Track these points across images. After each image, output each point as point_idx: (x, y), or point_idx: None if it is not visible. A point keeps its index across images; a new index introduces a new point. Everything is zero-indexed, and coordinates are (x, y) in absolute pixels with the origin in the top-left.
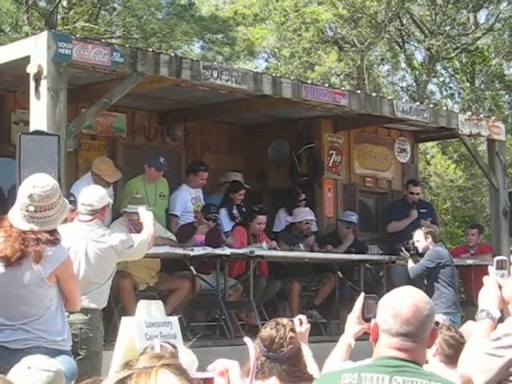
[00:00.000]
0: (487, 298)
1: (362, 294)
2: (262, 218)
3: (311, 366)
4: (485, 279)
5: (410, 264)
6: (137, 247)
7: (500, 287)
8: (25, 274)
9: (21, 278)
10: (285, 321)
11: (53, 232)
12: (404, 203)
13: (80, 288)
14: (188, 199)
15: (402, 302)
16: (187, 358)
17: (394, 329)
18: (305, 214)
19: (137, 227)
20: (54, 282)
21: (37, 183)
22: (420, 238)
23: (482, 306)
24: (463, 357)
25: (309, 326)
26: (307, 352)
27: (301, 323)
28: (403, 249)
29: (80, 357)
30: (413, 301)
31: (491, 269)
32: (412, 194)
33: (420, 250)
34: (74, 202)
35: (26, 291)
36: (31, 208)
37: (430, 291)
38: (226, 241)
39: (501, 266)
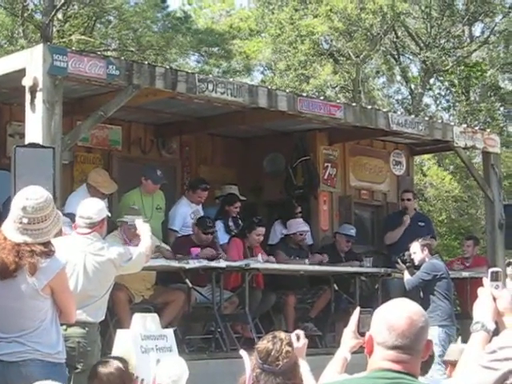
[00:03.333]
0: (482, 309)
1: (358, 309)
2: (262, 230)
3: (309, 381)
4: (479, 291)
5: (406, 276)
6: (135, 260)
7: (494, 299)
8: (20, 287)
9: (16, 290)
10: (282, 335)
11: (47, 244)
12: (399, 214)
13: (74, 300)
14: (187, 214)
15: (396, 315)
16: (178, 367)
17: (389, 341)
18: (298, 225)
19: (132, 239)
20: (49, 293)
21: (30, 195)
22: (416, 250)
23: (476, 318)
24: (458, 369)
25: (306, 341)
26: (305, 367)
27: (298, 338)
28: (399, 261)
29: (77, 370)
30: (407, 313)
31: (486, 280)
32: (403, 200)
33: (416, 263)
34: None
35: (21, 304)
36: (25, 220)
37: (425, 304)
38: (222, 254)
39: (495, 277)
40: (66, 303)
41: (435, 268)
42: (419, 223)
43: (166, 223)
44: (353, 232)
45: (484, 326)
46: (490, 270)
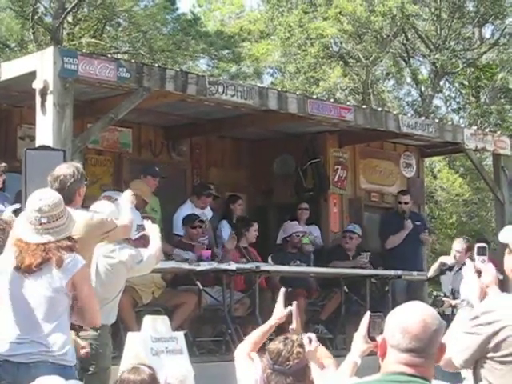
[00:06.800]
0: (467, 289)
1: (368, 313)
2: (256, 225)
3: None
4: (463, 270)
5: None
6: (146, 262)
7: (479, 273)
8: (44, 283)
9: (39, 287)
10: (294, 336)
11: (70, 238)
12: (396, 215)
13: (97, 301)
14: None
15: (410, 318)
16: (183, 367)
17: (402, 344)
18: (293, 227)
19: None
20: (70, 290)
21: (42, 196)
22: (461, 250)
23: (462, 297)
24: (445, 341)
25: (318, 344)
26: (316, 371)
27: (310, 341)
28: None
29: (89, 372)
30: (421, 316)
31: (468, 261)
32: (400, 203)
33: (454, 260)
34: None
35: (44, 301)
36: (44, 220)
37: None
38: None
39: (482, 252)
40: (90, 301)
41: None
42: (416, 223)
43: (166, 228)
44: (351, 228)
45: (469, 303)
46: (477, 244)
